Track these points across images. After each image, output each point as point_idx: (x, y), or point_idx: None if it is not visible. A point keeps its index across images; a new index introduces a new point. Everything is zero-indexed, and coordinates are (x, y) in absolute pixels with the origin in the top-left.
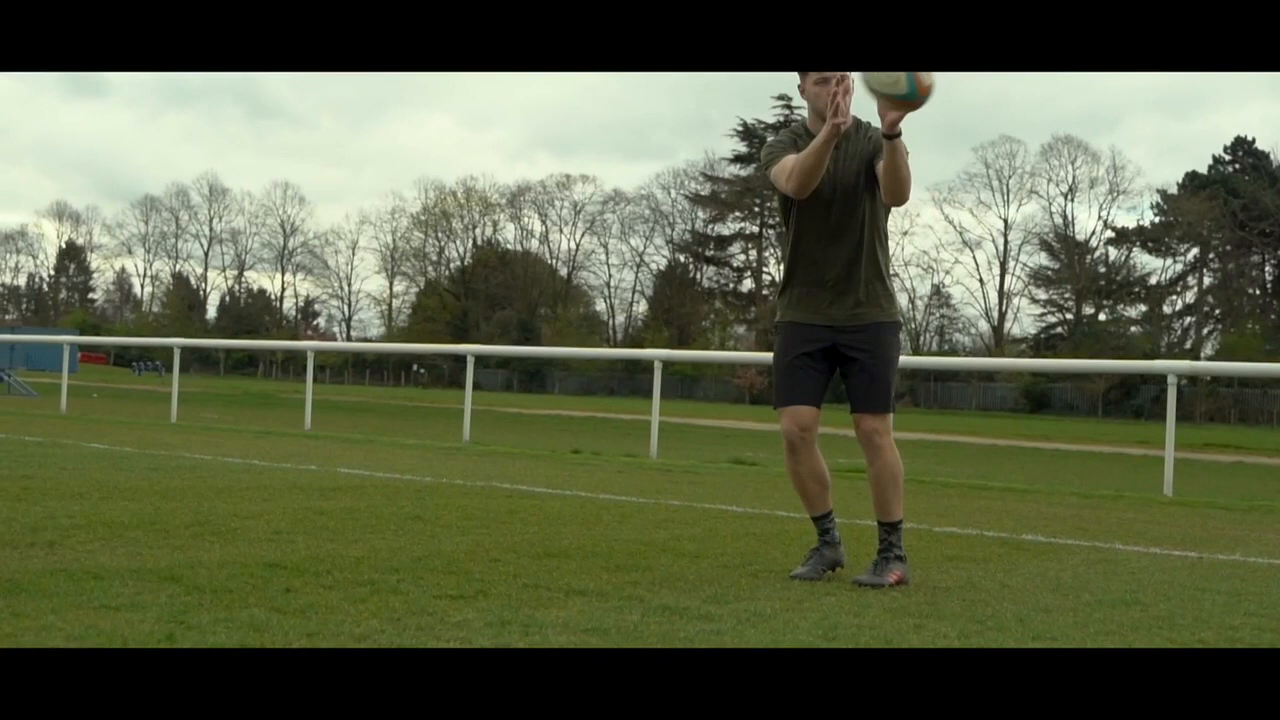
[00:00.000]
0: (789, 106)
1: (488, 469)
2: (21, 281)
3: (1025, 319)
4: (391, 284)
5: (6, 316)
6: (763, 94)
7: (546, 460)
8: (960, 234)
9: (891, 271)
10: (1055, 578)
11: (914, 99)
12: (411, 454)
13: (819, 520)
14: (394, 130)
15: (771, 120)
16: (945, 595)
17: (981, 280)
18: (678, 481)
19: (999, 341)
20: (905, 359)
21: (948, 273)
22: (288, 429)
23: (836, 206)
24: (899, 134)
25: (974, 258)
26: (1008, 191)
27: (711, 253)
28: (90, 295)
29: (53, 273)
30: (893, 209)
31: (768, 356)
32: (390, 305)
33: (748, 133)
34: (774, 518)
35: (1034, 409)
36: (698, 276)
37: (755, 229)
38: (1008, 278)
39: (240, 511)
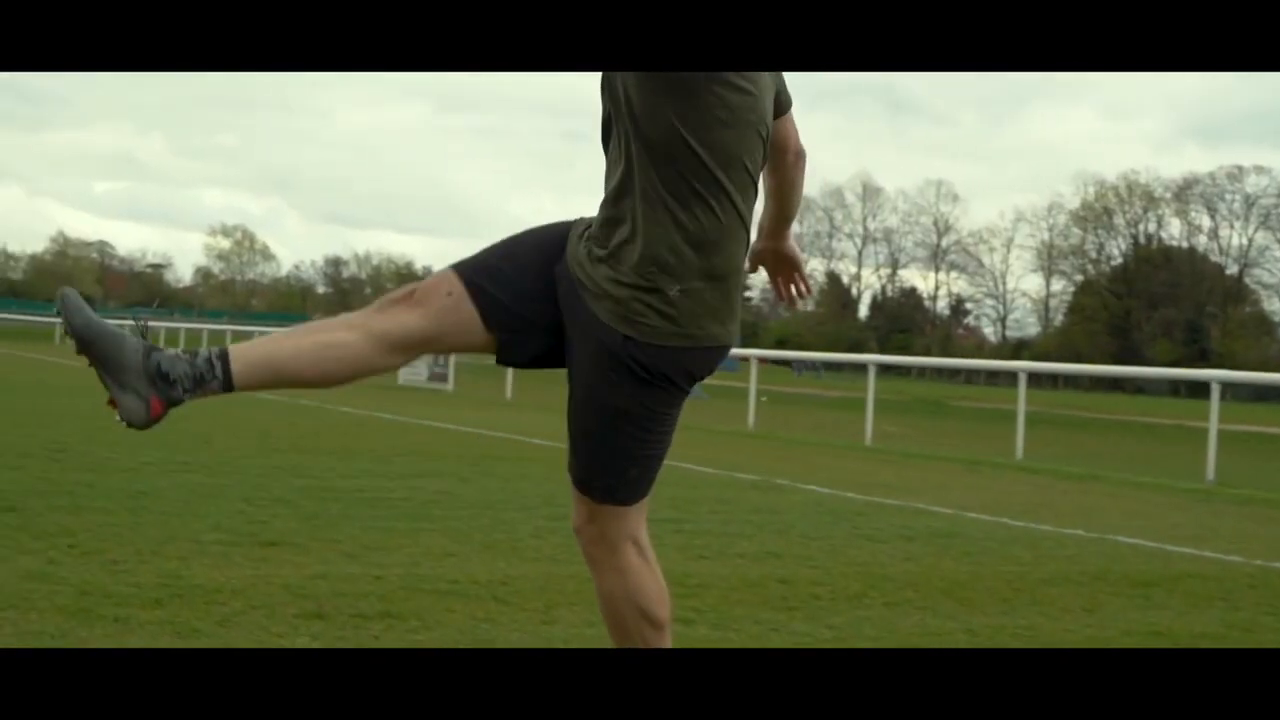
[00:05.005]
0: None
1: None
2: None
3: None
4: (1048, 282)
5: None
6: None
7: None
8: None
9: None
10: None
11: None
12: (1151, 499)
13: None
14: (1036, 124)
15: None
16: None
17: None
18: None
19: None
20: None
21: None
22: (993, 456)
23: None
24: None
25: None
26: None
27: None
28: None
29: None
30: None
31: None
32: (1046, 304)
33: None
34: None
35: None
36: None
37: None
38: None
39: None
